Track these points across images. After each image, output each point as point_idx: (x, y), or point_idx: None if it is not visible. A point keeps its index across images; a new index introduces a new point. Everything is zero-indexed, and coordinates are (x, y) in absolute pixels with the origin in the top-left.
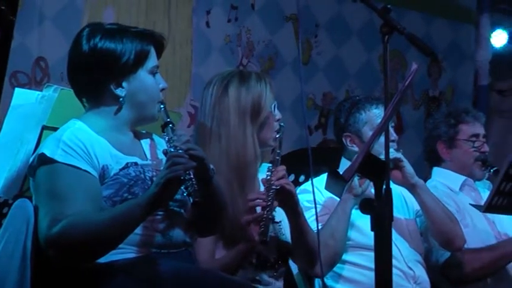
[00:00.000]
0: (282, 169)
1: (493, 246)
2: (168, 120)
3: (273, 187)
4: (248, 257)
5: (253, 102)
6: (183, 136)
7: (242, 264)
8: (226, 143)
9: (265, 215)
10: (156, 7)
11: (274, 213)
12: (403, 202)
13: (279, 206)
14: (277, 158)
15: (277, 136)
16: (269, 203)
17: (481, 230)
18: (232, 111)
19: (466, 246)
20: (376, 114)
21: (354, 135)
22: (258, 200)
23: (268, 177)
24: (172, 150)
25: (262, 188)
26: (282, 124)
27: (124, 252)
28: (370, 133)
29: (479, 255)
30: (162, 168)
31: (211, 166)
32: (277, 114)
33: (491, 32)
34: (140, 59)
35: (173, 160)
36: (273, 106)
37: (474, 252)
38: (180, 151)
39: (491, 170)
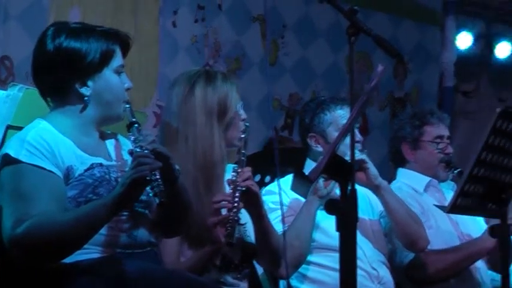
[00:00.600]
0: (247, 170)
1: (456, 247)
2: (134, 120)
3: (239, 188)
4: (214, 259)
5: (220, 102)
6: (149, 136)
7: (208, 266)
8: (193, 142)
9: (231, 217)
10: (122, 7)
11: (239, 214)
12: (368, 203)
13: (244, 207)
14: (243, 158)
15: (242, 136)
16: (235, 204)
17: (445, 231)
18: (199, 111)
19: (429, 247)
20: (340, 114)
21: (318, 135)
22: (224, 202)
23: (234, 178)
24: (138, 150)
25: (227, 189)
26: (247, 124)
27: (89, 252)
28: (335, 134)
29: (443, 257)
30: (127, 169)
31: (177, 166)
32: (243, 114)
33: (457, 34)
34: (105, 59)
35: (139, 160)
36: (238, 106)
37: (438, 254)
38: (146, 151)
39: (455, 171)
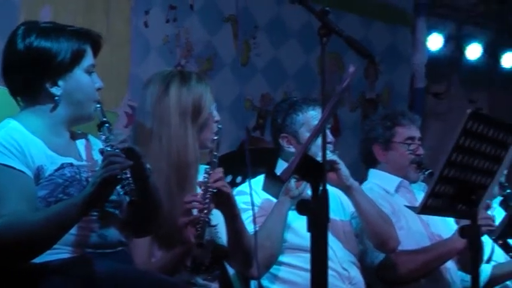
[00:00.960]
0: (219, 171)
1: (426, 248)
2: (105, 119)
3: (210, 189)
4: (184, 260)
5: (194, 103)
6: (119, 135)
7: (179, 266)
8: (167, 143)
9: (201, 218)
10: (94, 6)
11: (210, 216)
12: (339, 204)
13: (216, 208)
14: (215, 160)
15: (215, 138)
16: (206, 205)
17: (416, 231)
18: (173, 111)
19: (400, 247)
20: (313, 115)
21: (290, 136)
22: (194, 203)
23: (206, 179)
24: (109, 149)
25: (199, 190)
26: (219, 126)
27: (59, 252)
28: (307, 134)
29: (413, 257)
30: (97, 168)
31: (148, 165)
32: (216, 116)
33: (427, 36)
34: (76, 58)
35: (109, 159)
36: (212, 107)
37: (408, 254)
38: (117, 150)
39: (426, 172)
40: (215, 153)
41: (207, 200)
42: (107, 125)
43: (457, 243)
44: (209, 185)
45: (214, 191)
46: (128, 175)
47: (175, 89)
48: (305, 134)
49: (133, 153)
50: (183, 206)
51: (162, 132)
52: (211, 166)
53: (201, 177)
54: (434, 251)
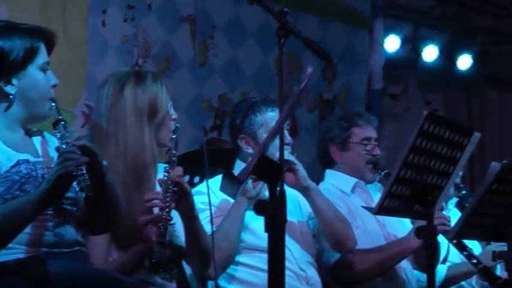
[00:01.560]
0: (178, 170)
1: (381, 247)
2: (60, 117)
3: (170, 188)
4: (144, 259)
5: (150, 103)
6: (75, 133)
7: (137, 266)
8: (124, 143)
9: (163, 216)
10: (51, 5)
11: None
12: (296, 204)
13: (176, 207)
14: (174, 158)
15: (173, 137)
16: (167, 203)
17: (372, 232)
18: (129, 111)
19: (357, 247)
20: (271, 116)
21: (249, 137)
22: (155, 200)
23: (165, 178)
24: (64, 146)
25: (158, 189)
26: (177, 125)
27: (14, 252)
28: (265, 135)
29: (369, 256)
30: (53, 165)
31: (105, 162)
32: (173, 114)
33: (385, 37)
34: (29, 56)
35: (65, 156)
36: (169, 106)
37: (363, 253)
38: (72, 147)
39: (383, 173)
40: (174, 151)
41: (168, 199)
42: (62, 122)
43: (412, 242)
44: (169, 183)
45: (175, 189)
46: (84, 171)
47: (131, 89)
48: (263, 135)
49: (88, 150)
50: (143, 204)
51: (118, 133)
52: (170, 165)
53: (160, 176)
54: (389, 250)
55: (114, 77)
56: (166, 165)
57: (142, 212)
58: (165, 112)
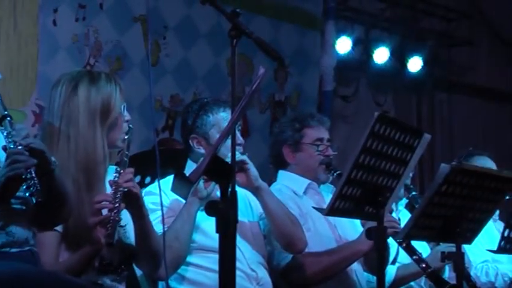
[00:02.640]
0: (129, 172)
1: (332, 250)
2: (6, 113)
3: (120, 189)
4: (92, 260)
5: (103, 103)
6: (22, 130)
7: (86, 267)
8: (75, 143)
9: (112, 217)
10: (1, 3)
11: (120, 216)
12: (248, 205)
13: (125, 208)
14: (125, 159)
15: (125, 138)
16: (116, 205)
17: (323, 234)
18: (82, 111)
19: (307, 250)
20: (223, 117)
21: (200, 137)
22: (105, 202)
23: (116, 179)
24: (12, 146)
25: (109, 189)
26: (131, 126)
27: None
28: (217, 136)
29: (319, 259)
30: (1, 165)
31: (53, 158)
32: (127, 116)
33: (336, 39)
34: None
35: (13, 158)
36: (122, 107)
37: (314, 256)
38: (20, 147)
39: (335, 174)
40: (126, 152)
41: (118, 200)
42: (8, 118)
43: (362, 245)
44: (119, 184)
45: (125, 190)
46: (33, 174)
47: (84, 88)
48: (215, 136)
49: (36, 150)
50: (93, 206)
51: (69, 133)
52: (121, 166)
53: (111, 177)
54: (340, 253)
55: (67, 76)
56: (118, 166)
57: (92, 213)
58: (118, 113)
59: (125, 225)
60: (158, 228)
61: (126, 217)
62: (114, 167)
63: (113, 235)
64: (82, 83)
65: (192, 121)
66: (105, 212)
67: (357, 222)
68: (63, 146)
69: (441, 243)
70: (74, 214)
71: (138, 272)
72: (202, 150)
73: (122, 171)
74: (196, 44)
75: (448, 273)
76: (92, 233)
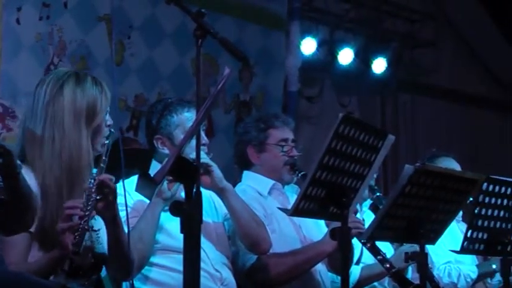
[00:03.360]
0: (106, 178)
1: (296, 250)
2: None
3: (93, 196)
4: (61, 264)
5: (88, 106)
6: None
7: (55, 270)
8: (60, 144)
9: (81, 225)
10: None
11: (93, 221)
12: (212, 206)
13: (98, 214)
14: (102, 165)
15: (105, 142)
16: (87, 212)
17: (287, 234)
18: (67, 111)
19: (272, 250)
20: (188, 117)
21: (165, 137)
22: (76, 209)
23: (91, 185)
24: None
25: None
26: (112, 130)
27: None
28: (182, 136)
29: (284, 260)
30: None
31: (18, 162)
32: (109, 120)
33: (301, 40)
34: None
35: None
36: (106, 112)
37: (279, 257)
38: None
39: (299, 175)
40: (104, 158)
41: (89, 207)
42: None
43: (327, 245)
44: (93, 190)
45: (98, 197)
46: None
47: (70, 89)
48: (179, 136)
49: (5, 149)
50: (63, 211)
51: (54, 134)
52: (98, 171)
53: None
54: (304, 254)
55: (53, 75)
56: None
57: (61, 219)
58: (102, 118)
59: (99, 229)
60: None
61: (99, 222)
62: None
63: (80, 244)
64: (68, 83)
65: (156, 121)
66: (76, 218)
67: (321, 222)
68: (48, 147)
69: (405, 244)
70: (52, 215)
71: (103, 272)
72: (166, 151)
73: (97, 177)
74: (161, 44)
75: (412, 274)
76: (60, 239)
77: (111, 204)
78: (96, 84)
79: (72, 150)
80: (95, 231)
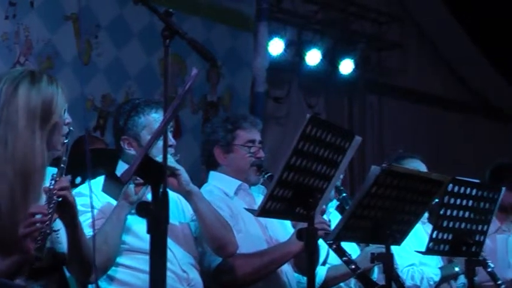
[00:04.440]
0: (66, 180)
1: (262, 251)
2: None
3: (54, 199)
4: (23, 269)
5: (44, 105)
6: None
7: (16, 275)
8: (13, 146)
9: (43, 230)
10: None
11: (52, 227)
12: (179, 207)
13: (58, 217)
14: (63, 165)
15: (65, 141)
16: (49, 215)
17: (253, 235)
18: (21, 114)
19: (238, 251)
20: (155, 118)
21: (132, 138)
22: (39, 215)
23: (51, 187)
24: None
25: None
26: (71, 128)
27: None
28: (149, 137)
29: (250, 261)
30: None
31: None
32: (67, 118)
33: (269, 41)
34: None
35: None
36: (63, 110)
37: (245, 258)
38: None
39: (266, 176)
40: (64, 158)
41: (51, 210)
42: None
43: (293, 246)
44: (54, 192)
45: (59, 200)
46: None
47: (24, 90)
48: (146, 137)
49: None
50: (26, 216)
51: (7, 136)
52: (58, 172)
53: (47, 183)
54: (270, 255)
55: (7, 76)
56: (55, 169)
57: (24, 224)
58: (59, 117)
59: (58, 230)
60: (87, 230)
61: (58, 221)
62: (51, 169)
63: (43, 249)
64: (23, 84)
65: (123, 122)
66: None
67: (287, 223)
68: (0, 150)
69: (371, 244)
70: (7, 221)
71: (67, 272)
72: (133, 152)
73: (57, 178)
74: (128, 44)
75: (377, 275)
76: (21, 244)
77: (71, 207)
78: (52, 83)
79: (26, 153)
80: (55, 231)
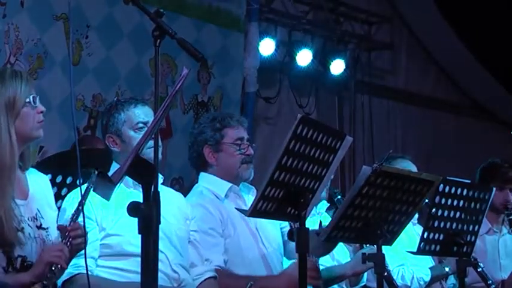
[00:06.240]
0: (81, 227)
1: (251, 276)
2: None
3: (71, 240)
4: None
5: (9, 97)
6: None
7: None
8: None
9: (54, 269)
10: None
11: (42, 220)
12: (174, 206)
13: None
14: (80, 208)
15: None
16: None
17: (244, 240)
18: None
19: (227, 256)
20: (135, 113)
21: (115, 136)
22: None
23: (67, 225)
24: None
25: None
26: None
27: None
28: (130, 132)
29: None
30: None
31: None
32: (40, 107)
33: (259, 41)
34: None
35: None
36: (31, 98)
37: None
38: None
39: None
40: (83, 201)
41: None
42: None
43: (280, 283)
44: (69, 236)
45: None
46: None
47: None
48: (127, 132)
49: None
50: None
51: None
52: (75, 214)
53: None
54: (258, 282)
55: None
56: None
57: (53, 251)
58: (25, 102)
59: (48, 227)
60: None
61: (47, 220)
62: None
63: (52, 281)
64: None
65: (106, 121)
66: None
67: (282, 223)
68: None
69: (365, 246)
70: None
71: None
72: (117, 149)
73: (75, 218)
74: (118, 44)
75: (368, 275)
76: (41, 267)
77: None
78: (16, 75)
79: None
80: (45, 229)
